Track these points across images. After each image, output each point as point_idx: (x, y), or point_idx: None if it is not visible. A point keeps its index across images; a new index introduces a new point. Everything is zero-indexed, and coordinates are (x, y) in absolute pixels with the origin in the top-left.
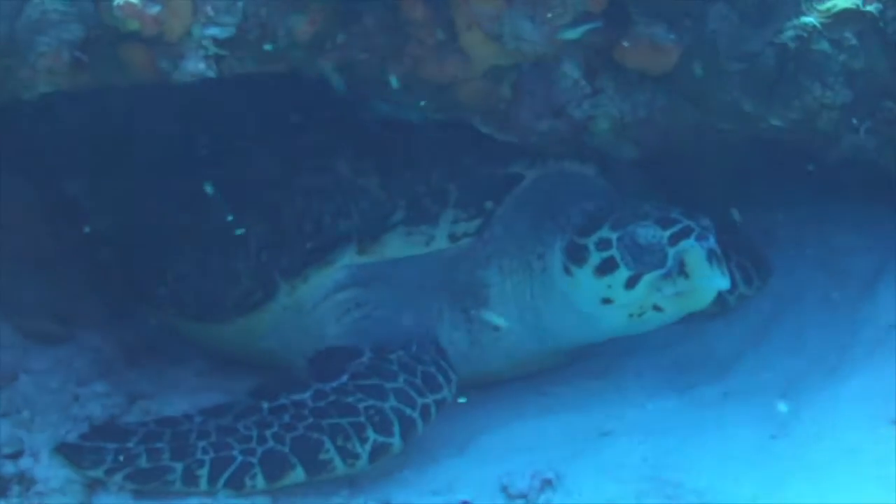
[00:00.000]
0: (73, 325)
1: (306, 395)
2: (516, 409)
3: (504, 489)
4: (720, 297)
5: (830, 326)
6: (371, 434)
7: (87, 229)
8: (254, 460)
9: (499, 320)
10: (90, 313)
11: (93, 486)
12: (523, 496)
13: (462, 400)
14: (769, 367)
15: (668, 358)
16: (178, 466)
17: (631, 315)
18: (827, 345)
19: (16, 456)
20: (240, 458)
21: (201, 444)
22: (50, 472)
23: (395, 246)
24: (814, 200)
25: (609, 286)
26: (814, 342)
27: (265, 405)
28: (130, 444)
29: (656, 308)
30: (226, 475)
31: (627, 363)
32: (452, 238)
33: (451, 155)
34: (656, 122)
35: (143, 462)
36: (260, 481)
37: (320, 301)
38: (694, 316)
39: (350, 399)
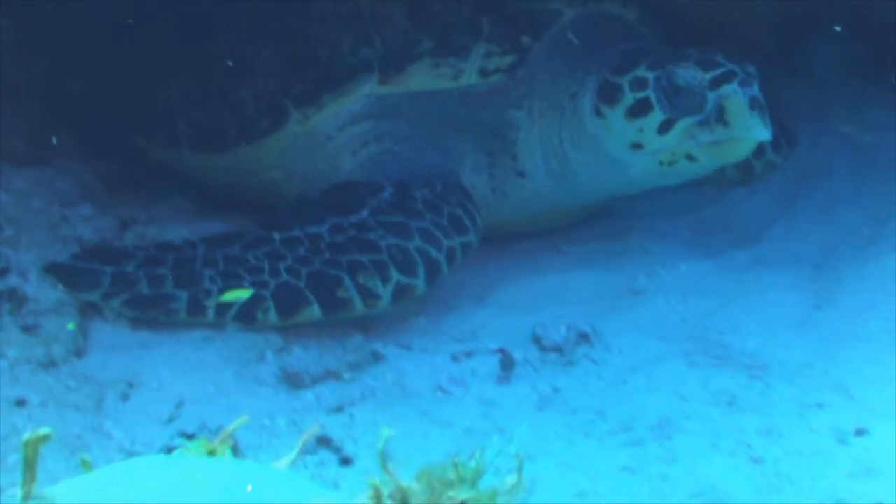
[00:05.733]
0: (49, 152)
1: (323, 229)
2: (533, 265)
3: (537, 340)
4: (746, 163)
5: (862, 200)
6: (394, 274)
7: (61, 55)
8: (266, 293)
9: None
10: (65, 147)
11: (86, 311)
12: (558, 349)
13: None
14: (800, 236)
15: (690, 222)
16: (184, 295)
17: (661, 163)
18: (860, 218)
19: (2, 273)
20: (251, 290)
21: (208, 272)
22: (41, 292)
23: (421, 78)
24: (837, 76)
25: (641, 130)
26: (846, 215)
27: (277, 236)
28: (129, 269)
29: (689, 157)
30: (236, 307)
31: (647, 226)
32: (483, 73)
33: None
34: None
35: (143, 288)
36: (272, 316)
37: (335, 132)
38: (716, 182)
39: (371, 235)
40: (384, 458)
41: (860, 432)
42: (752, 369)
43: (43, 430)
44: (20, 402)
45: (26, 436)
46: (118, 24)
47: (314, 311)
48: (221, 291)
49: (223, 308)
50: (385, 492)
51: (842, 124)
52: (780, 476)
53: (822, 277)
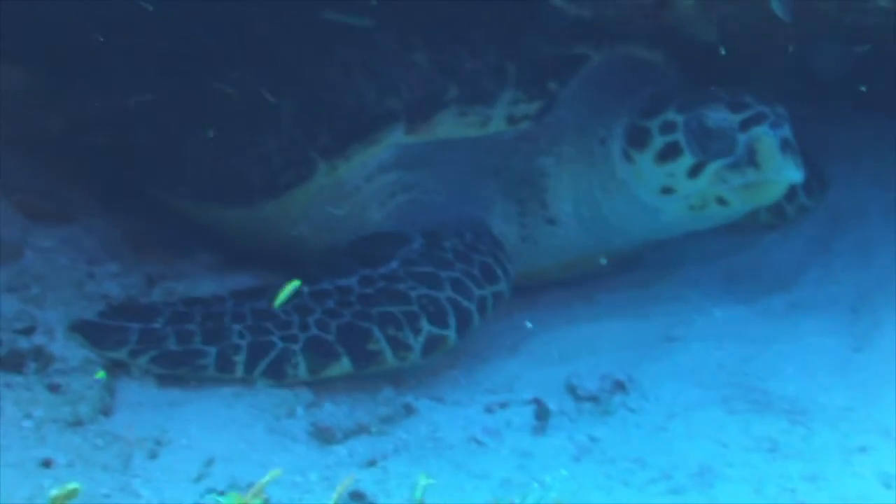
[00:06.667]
0: (73, 209)
1: (352, 281)
2: (566, 314)
3: (572, 390)
4: (778, 206)
5: None
6: (425, 325)
7: (85, 110)
8: (296, 347)
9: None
10: (86, 201)
11: (113, 369)
12: (593, 398)
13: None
14: (836, 280)
15: (723, 269)
16: (212, 351)
17: (692, 207)
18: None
19: (28, 332)
20: (280, 345)
21: (237, 327)
22: (67, 351)
23: (448, 126)
24: (868, 116)
25: (671, 174)
26: (881, 257)
27: (305, 289)
28: (157, 325)
29: (720, 201)
30: (265, 362)
31: (680, 273)
32: (511, 120)
33: (510, 32)
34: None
35: (171, 344)
36: (302, 371)
37: (362, 183)
38: (747, 227)
39: (401, 286)
40: None
41: None
42: (793, 414)
43: (70, 486)
44: (46, 463)
45: (53, 492)
46: (139, 75)
47: (344, 364)
48: (251, 347)
49: (252, 364)
50: None
51: (868, 165)
52: None
53: (859, 320)
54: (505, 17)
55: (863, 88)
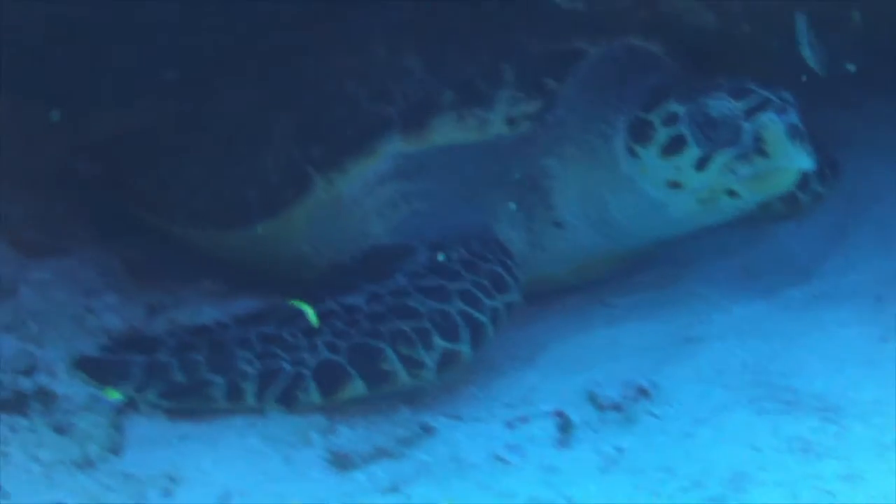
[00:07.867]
0: (67, 241)
1: (359, 299)
2: (581, 320)
3: (593, 399)
4: (791, 196)
5: None
6: (438, 341)
7: (77, 139)
8: (306, 372)
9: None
10: (82, 232)
11: (121, 405)
12: (616, 406)
13: None
14: (856, 269)
15: (739, 263)
16: (220, 380)
17: (702, 201)
18: None
19: (29, 371)
20: (290, 370)
21: (244, 354)
22: (71, 389)
23: (445, 132)
24: (883, 101)
25: (677, 168)
26: None
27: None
28: (161, 357)
29: (730, 193)
30: (276, 389)
31: (695, 270)
32: (510, 122)
33: (502, 31)
34: None
35: (178, 376)
36: (315, 395)
37: (361, 196)
38: (761, 219)
39: (410, 302)
40: None
41: None
42: (824, 411)
43: None
44: None
45: None
46: (130, 101)
47: (357, 386)
48: (260, 373)
49: (262, 391)
50: None
51: (886, 150)
52: None
53: (885, 309)
54: (497, 15)
55: (850, 68)
